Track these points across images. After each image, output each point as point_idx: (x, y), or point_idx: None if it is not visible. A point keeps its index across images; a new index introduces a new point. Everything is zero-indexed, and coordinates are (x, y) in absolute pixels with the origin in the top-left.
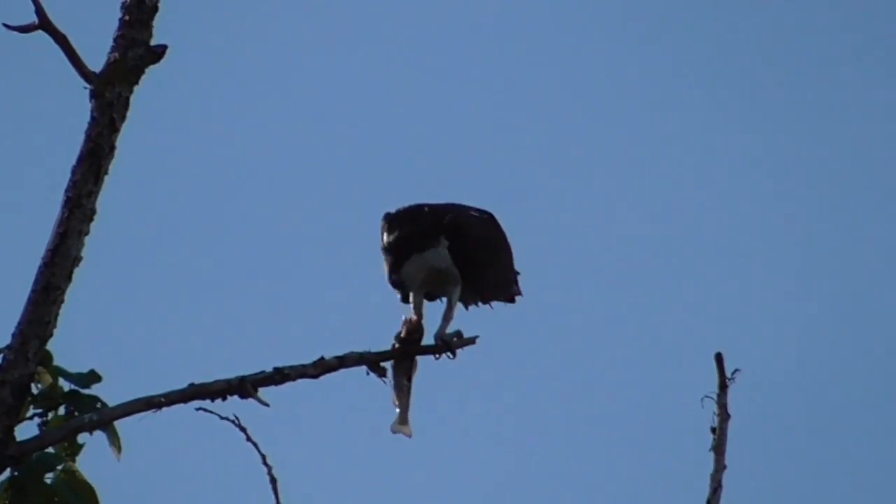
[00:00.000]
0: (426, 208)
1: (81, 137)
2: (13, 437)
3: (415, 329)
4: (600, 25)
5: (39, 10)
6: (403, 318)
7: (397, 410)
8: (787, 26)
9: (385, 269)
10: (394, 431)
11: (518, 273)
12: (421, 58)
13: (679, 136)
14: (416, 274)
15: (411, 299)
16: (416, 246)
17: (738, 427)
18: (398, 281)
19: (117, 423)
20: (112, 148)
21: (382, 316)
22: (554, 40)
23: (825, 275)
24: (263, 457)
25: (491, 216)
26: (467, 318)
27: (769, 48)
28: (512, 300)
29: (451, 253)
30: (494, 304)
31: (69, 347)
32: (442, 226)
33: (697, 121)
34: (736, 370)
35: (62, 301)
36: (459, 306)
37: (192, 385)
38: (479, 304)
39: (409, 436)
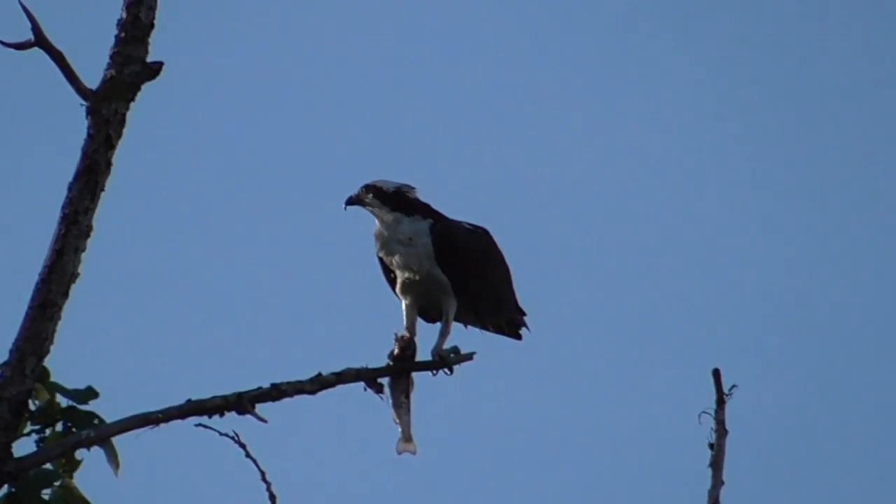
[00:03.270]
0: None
1: (78, 154)
2: (10, 454)
3: (407, 345)
4: (599, 26)
5: (35, 28)
6: (395, 335)
7: (399, 429)
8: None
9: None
10: (399, 452)
11: (524, 313)
12: (420, 68)
13: (679, 148)
14: (401, 248)
15: (404, 315)
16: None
17: (735, 443)
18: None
19: (115, 440)
20: (108, 164)
21: (379, 332)
22: (554, 42)
23: (826, 290)
24: (263, 473)
25: (485, 232)
26: (463, 335)
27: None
28: (518, 335)
29: (438, 259)
30: (499, 335)
31: (66, 364)
32: (432, 231)
33: (700, 130)
34: (733, 386)
35: (59, 317)
36: (457, 325)
37: (189, 401)
38: (479, 325)
39: (414, 453)
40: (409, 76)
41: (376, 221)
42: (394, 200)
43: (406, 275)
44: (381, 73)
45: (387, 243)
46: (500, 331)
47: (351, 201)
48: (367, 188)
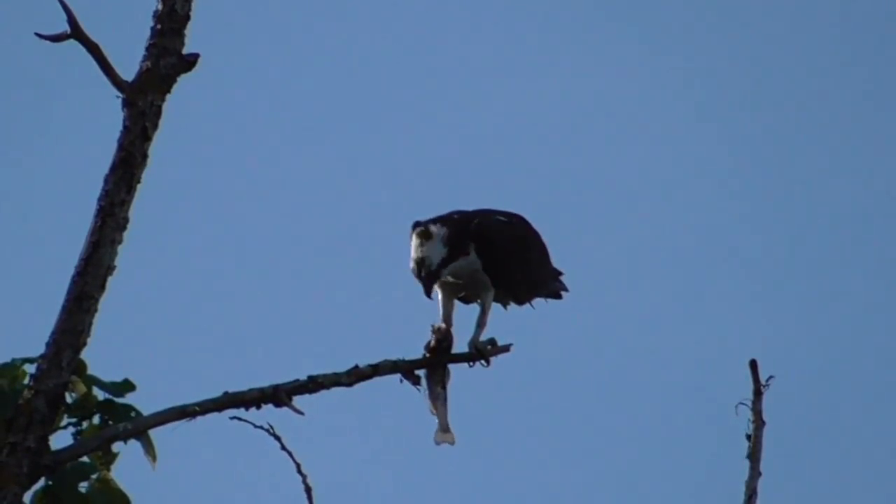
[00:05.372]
0: (455, 215)
1: (114, 146)
2: (48, 447)
3: (443, 337)
4: (611, 25)
5: (72, 20)
6: (431, 326)
7: (436, 420)
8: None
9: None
10: (438, 442)
11: (561, 273)
12: (453, 65)
13: (712, 142)
14: (450, 278)
15: (440, 306)
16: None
17: (772, 434)
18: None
19: (152, 432)
20: (144, 156)
21: (415, 324)
22: (568, 38)
23: (862, 281)
24: (298, 465)
25: (520, 219)
26: (501, 325)
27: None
28: (558, 296)
29: (480, 259)
30: (539, 301)
31: (103, 356)
32: (470, 233)
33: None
34: (770, 377)
35: (96, 310)
36: (497, 308)
37: (226, 394)
38: (518, 304)
39: (453, 443)
40: (441, 75)
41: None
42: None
43: (449, 281)
44: (418, 73)
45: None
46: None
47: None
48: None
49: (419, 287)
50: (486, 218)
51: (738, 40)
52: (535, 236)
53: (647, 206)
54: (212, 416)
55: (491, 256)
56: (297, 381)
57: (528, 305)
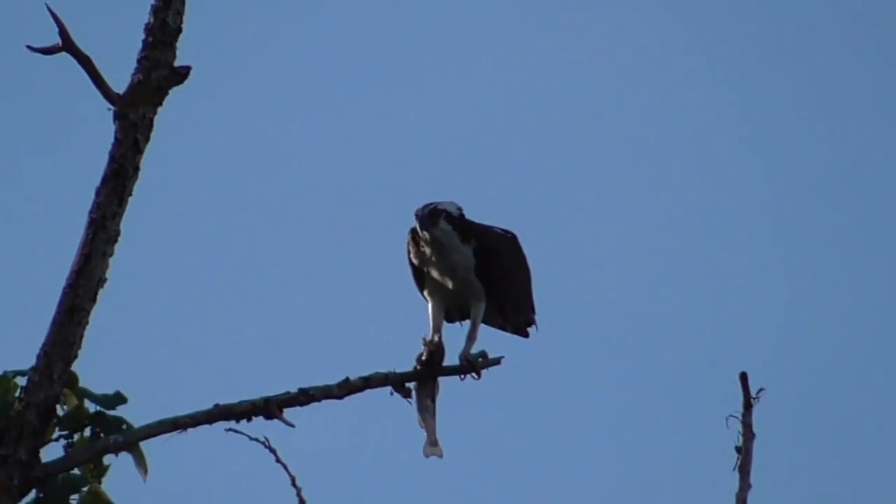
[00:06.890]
0: None
1: (105, 159)
2: (39, 459)
3: (436, 350)
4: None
5: (63, 32)
6: (423, 339)
7: (425, 433)
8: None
9: (410, 256)
10: (427, 455)
11: (534, 312)
12: (451, 75)
13: (705, 146)
14: (441, 255)
15: (430, 317)
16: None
17: (763, 446)
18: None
19: (143, 445)
20: (136, 169)
21: (406, 337)
22: (568, 39)
23: (854, 294)
24: (293, 478)
25: (514, 237)
26: (491, 339)
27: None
28: (525, 334)
29: (477, 264)
30: (508, 334)
31: (94, 369)
32: (471, 235)
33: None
34: (761, 389)
35: (87, 322)
36: (482, 326)
37: (217, 406)
38: (497, 325)
39: (441, 456)
40: (439, 88)
41: (424, 235)
42: (458, 225)
43: (441, 280)
44: (414, 85)
45: (430, 263)
46: (512, 329)
47: (426, 226)
48: (437, 213)
49: (415, 293)
50: (485, 228)
51: (736, 36)
52: (524, 255)
53: (635, 216)
54: (203, 429)
55: (489, 264)
56: (289, 393)
57: (504, 329)
